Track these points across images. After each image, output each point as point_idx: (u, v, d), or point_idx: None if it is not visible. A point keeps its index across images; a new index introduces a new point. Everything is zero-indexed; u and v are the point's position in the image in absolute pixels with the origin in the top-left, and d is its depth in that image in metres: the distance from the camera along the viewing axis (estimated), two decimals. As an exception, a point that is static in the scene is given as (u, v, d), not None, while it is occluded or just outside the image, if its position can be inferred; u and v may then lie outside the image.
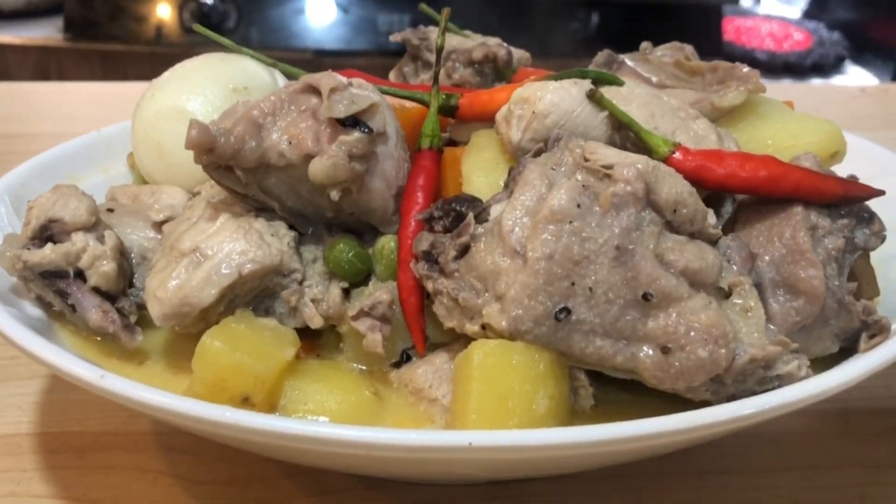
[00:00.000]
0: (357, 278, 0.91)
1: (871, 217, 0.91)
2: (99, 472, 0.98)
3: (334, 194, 0.87)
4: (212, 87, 1.06)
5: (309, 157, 0.87)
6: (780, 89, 2.27)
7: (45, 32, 3.75)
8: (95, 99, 2.22)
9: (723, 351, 0.79)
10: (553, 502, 0.92)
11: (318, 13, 3.71)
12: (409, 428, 0.84)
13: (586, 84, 0.91)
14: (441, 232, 0.86)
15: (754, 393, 0.83)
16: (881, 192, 0.90)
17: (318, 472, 0.94)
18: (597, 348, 0.79)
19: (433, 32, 1.24)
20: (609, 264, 0.78)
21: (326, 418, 0.82)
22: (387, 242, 0.91)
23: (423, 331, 0.88)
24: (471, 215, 0.83)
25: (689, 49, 1.18)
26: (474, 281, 0.81)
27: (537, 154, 0.88)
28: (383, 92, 0.94)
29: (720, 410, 0.74)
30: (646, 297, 0.78)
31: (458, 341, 0.89)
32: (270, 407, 0.83)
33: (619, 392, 0.87)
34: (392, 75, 1.30)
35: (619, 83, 0.98)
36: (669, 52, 1.19)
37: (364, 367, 0.91)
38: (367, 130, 0.87)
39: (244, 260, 0.86)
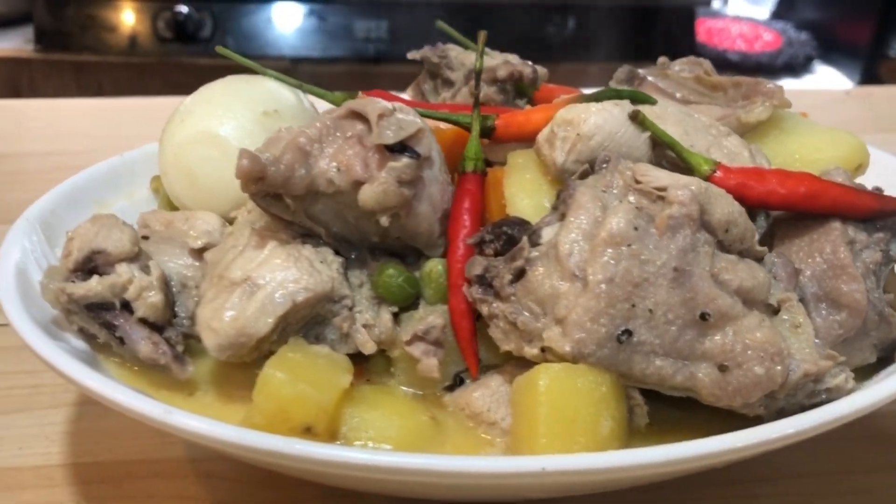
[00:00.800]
0: (406, 302, 0.91)
1: (905, 230, 0.94)
2: (138, 501, 0.98)
3: (384, 220, 0.88)
4: (242, 111, 1.05)
5: (358, 184, 0.87)
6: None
7: (14, 44, 3.68)
8: (83, 115, 2.19)
9: (779, 368, 0.81)
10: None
11: (294, 21, 3.69)
12: (469, 452, 0.85)
13: (627, 105, 0.92)
14: (492, 255, 0.87)
15: (803, 406, 0.85)
16: (915, 207, 0.92)
17: (358, 494, 0.94)
18: (657, 368, 0.80)
19: (452, 50, 1.25)
20: (668, 286, 0.79)
21: (389, 445, 0.83)
22: (434, 266, 0.91)
23: (477, 354, 0.88)
24: (525, 239, 0.84)
25: (707, 64, 1.20)
26: (532, 304, 0.82)
27: (583, 175, 0.89)
28: (422, 115, 0.95)
29: (784, 425, 0.76)
30: (703, 316, 0.80)
31: (509, 363, 0.90)
32: (331, 436, 0.83)
33: (671, 409, 0.88)
34: (409, 92, 1.31)
35: (653, 102, 0.99)
36: (687, 67, 1.21)
37: (416, 392, 0.91)
38: (414, 155, 0.88)
39: (297, 288, 0.86)
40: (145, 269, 0.91)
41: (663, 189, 0.82)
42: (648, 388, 0.84)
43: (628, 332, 0.79)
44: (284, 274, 0.86)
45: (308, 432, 0.81)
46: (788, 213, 0.95)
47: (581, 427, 0.77)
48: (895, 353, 0.93)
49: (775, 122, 1.07)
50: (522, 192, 0.93)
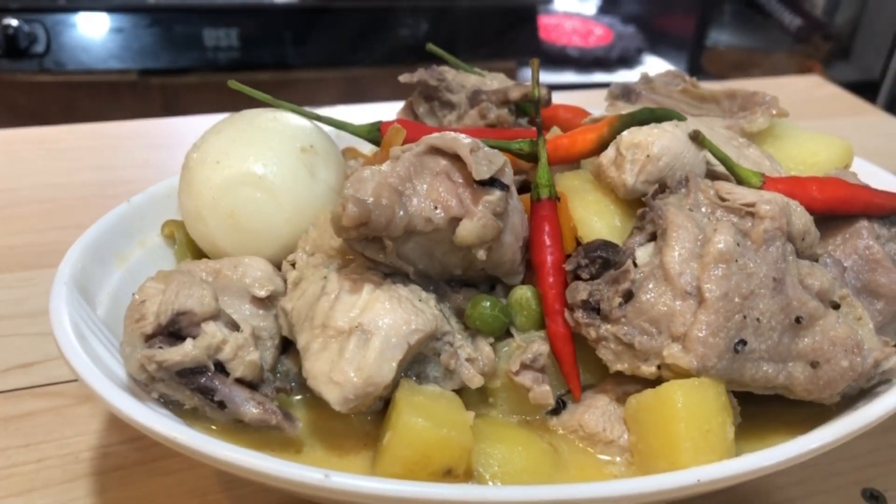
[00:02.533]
0: (500, 332, 0.92)
1: (913, 222, 1.06)
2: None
3: (481, 254, 0.88)
4: (281, 149, 1.01)
5: (454, 220, 0.87)
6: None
7: None
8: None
9: (858, 359, 0.89)
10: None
11: (138, 32, 3.49)
12: (592, 472, 0.87)
13: (684, 126, 0.97)
14: (588, 279, 0.90)
15: (862, 389, 0.95)
16: (926, 201, 1.04)
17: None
18: (763, 373, 0.86)
19: (448, 72, 1.25)
20: (770, 295, 0.86)
21: (523, 477, 0.84)
22: (524, 294, 0.93)
23: (579, 377, 0.91)
24: (629, 262, 0.87)
25: (689, 77, 1.28)
26: (645, 324, 0.86)
27: (655, 196, 0.94)
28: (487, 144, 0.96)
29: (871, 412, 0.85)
30: (798, 320, 0.87)
31: (605, 382, 0.93)
32: (468, 475, 0.83)
33: (745, 405, 0.95)
34: (400, 114, 1.30)
35: (683, 119, 1.05)
36: (668, 80, 1.29)
37: (519, 419, 0.92)
38: (504, 188, 0.89)
39: (409, 330, 0.85)
40: (231, 326, 0.86)
41: (751, 205, 0.88)
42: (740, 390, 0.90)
43: (743, 342, 0.84)
44: (393, 317, 0.85)
45: (448, 475, 0.81)
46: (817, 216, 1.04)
47: (714, 437, 0.81)
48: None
49: (768, 130, 1.17)
50: (593, 214, 0.96)
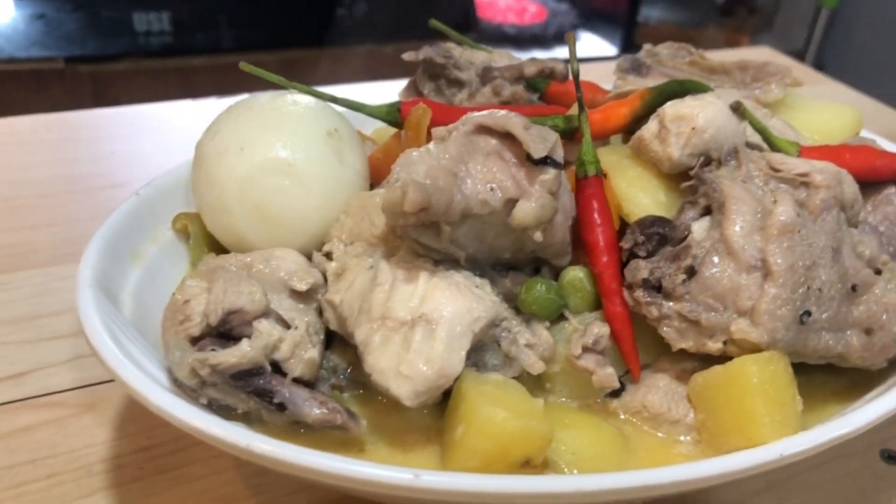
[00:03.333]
0: (555, 315, 0.89)
1: (931, 187, 1.07)
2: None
3: (538, 235, 0.85)
4: (307, 134, 0.95)
5: (510, 202, 0.84)
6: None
7: None
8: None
9: (909, 323, 0.90)
10: None
11: (62, 17, 3.32)
12: (660, 453, 0.86)
13: (725, 97, 0.96)
14: (645, 257, 0.88)
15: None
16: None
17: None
18: (825, 342, 0.86)
19: (454, 49, 1.21)
20: (829, 264, 0.85)
21: (600, 462, 0.82)
22: (576, 274, 0.90)
23: (639, 357, 0.89)
24: (691, 237, 0.86)
25: (694, 49, 1.27)
26: (710, 300, 0.84)
27: (703, 168, 0.92)
28: (527, 122, 0.93)
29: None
30: (854, 288, 0.87)
31: (660, 360, 0.91)
32: (544, 464, 0.80)
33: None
34: (403, 94, 1.25)
35: (710, 90, 1.04)
36: (672, 52, 1.27)
37: (578, 403, 0.90)
38: (558, 165, 0.86)
39: (472, 317, 0.81)
40: (282, 323, 0.81)
41: (805, 175, 0.87)
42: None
43: (808, 313, 0.84)
44: (455, 305, 0.81)
45: (526, 465, 0.78)
46: (844, 182, 1.05)
47: (789, 410, 0.81)
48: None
49: (780, 100, 1.17)
50: (637, 189, 0.94)
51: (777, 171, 0.88)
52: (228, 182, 0.93)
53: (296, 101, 0.99)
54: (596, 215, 0.91)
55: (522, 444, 0.77)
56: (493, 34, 4.18)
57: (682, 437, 0.87)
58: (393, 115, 1.06)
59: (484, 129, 0.86)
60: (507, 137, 0.86)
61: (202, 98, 1.92)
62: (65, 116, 1.87)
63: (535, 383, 0.90)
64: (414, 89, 1.24)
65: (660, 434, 0.88)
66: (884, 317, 0.88)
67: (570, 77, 1.16)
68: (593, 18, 4.42)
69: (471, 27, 3.95)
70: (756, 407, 0.80)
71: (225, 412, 0.82)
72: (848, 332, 0.87)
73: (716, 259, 0.84)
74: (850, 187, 0.90)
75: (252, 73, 1.02)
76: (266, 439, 0.71)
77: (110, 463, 1.01)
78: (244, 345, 0.77)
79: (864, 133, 1.23)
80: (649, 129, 0.95)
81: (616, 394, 0.90)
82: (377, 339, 0.80)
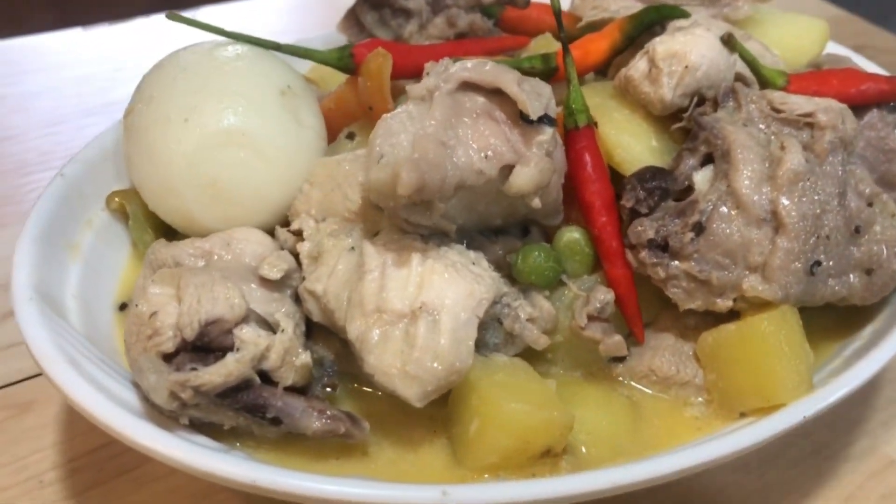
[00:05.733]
0: (555, 283, 0.83)
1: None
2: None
3: (536, 201, 0.78)
4: (258, 95, 0.84)
5: (507, 168, 0.76)
6: None
7: None
8: None
9: (905, 259, 0.88)
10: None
11: None
12: (673, 416, 0.82)
13: (716, 28, 0.89)
14: (647, 214, 0.82)
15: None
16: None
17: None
18: (831, 289, 0.83)
19: (397, -25, 1.09)
20: (836, 210, 0.81)
21: (619, 439, 0.78)
22: (572, 236, 0.84)
23: (642, 320, 0.84)
24: (698, 191, 0.80)
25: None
26: (720, 258, 0.79)
27: (695, 110, 0.86)
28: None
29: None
30: (857, 229, 0.84)
31: (661, 319, 0.87)
32: (564, 450, 0.75)
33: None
34: (341, 26, 1.12)
35: (688, 15, 0.97)
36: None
37: (582, 372, 0.85)
38: (553, 122, 0.78)
39: (475, 301, 0.74)
40: (264, 325, 0.72)
41: (809, 115, 0.82)
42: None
43: (818, 263, 0.80)
44: (456, 289, 0.74)
45: (547, 454, 0.73)
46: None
47: (803, 366, 0.78)
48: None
49: (749, 16, 1.11)
50: (628, 135, 0.87)
51: (779, 111, 0.82)
52: (174, 159, 0.81)
53: (239, 54, 0.87)
54: (590, 170, 0.83)
55: (544, 436, 0.72)
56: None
57: (695, 399, 0.83)
58: (345, 62, 0.95)
59: (470, 86, 0.77)
60: (497, 94, 0.77)
61: (95, 25, 1.71)
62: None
63: (536, 355, 0.84)
64: (354, 20, 1.12)
65: (667, 397, 0.84)
66: (882, 255, 0.86)
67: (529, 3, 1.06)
68: None
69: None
70: (774, 367, 0.77)
71: (209, 429, 0.73)
72: (850, 275, 0.85)
73: (724, 212, 0.79)
74: (852, 123, 0.85)
75: (180, 22, 0.88)
76: (274, 470, 0.63)
77: (64, 469, 0.91)
78: (229, 360, 0.68)
79: (831, 46, 1.18)
80: (638, 68, 0.87)
81: (620, 358, 0.85)
82: (375, 335, 0.72)
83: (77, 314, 0.79)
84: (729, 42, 0.88)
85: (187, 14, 0.93)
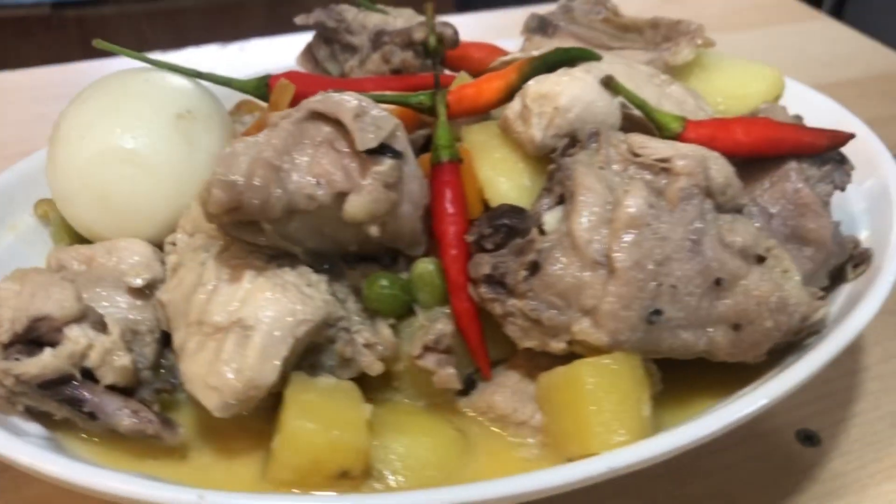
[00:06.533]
0: (402, 312, 0.85)
1: (843, 159, 0.98)
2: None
3: (374, 230, 0.80)
4: (153, 117, 0.91)
5: (341, 195, 0.78)
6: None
7: None
8: None
9: (783, 318, 0.83)
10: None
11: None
12: (504, 456, 0.82)
13: (596, 70, 0.88)
14: (493, 250, 0.82)
15: (790, 343, 0.89)
16: (853, 136, 0.97)
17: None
18: (683, 341, 0.80)
19: (348, 12, 1.14)
20: (686, 258, 0.79)
21: (430, 470, 0.78)
22: (426, 267, 0.85)
23: (488, 355, 0.84)
24: (534, 230, 0.80)
25: (610, 4, 1.18)
26: (553, 298, 0.79)
27: (564, 151, 0.85)
28: (380, 100, 0.87)
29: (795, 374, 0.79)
30: (718, 282, 0.80)
31: (516, 357, 0.87)
32: (366, 475, 0.76)
33: (666, 369, 0.89)
34: (300, 60, 1.19)
35: (598, 58, 0.96)
36: (588, 9, 1.18)
37: (427, 402, 0.86)
38: (396, 155, 0.80)
39: (294, 321, 0.77)
40: (98, 327, 0.78)
41: (665, 160, 0.80)
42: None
43: (658, 312, 0.78)
44: (276, 308, 0.77)
45: (344, 476, 0.75)
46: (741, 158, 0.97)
47: (627, 417, 0.75)
48: (842, 274, 0.99)
49: (695, 61, 1.08)
50: (498, 173, 0.88)
51: (637, 156, 0.81)
52: (69, 171, 0.90)
53: (147, 79, 0.94)
54: (448, 205, 0.85)
55: (335, 457, 0.73)
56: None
57: (529, 440, 0.82)
58: (262, 91, 1.01)
59: (317, 116, 0.81)
60: (342, 125, 0.80)
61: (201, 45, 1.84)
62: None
63: (383, 382, 0.86)
64: (310, 55, 1.18)
65: (507, 434, 0.83)
66: (754, 311, 0.82)
67: (460, 42, 1.09)
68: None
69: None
70: (589, 415, 0.75)
71: (44, 419, 0.79)
72: (710, 329, 0.81)
73: (560, 254, 0.78)
74: (721, 172, 0.82)
75: (107, 49, 0.97)
76: (60, 459, 0.69)
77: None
78: (46, 354, 0.74)
79: (796, 87, 1.14)
80: (513, 108, 0.88)
81: (465, 392, 0.85)
82: (192, 344, 0.77)
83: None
84: (609, 85, 0.87)
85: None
